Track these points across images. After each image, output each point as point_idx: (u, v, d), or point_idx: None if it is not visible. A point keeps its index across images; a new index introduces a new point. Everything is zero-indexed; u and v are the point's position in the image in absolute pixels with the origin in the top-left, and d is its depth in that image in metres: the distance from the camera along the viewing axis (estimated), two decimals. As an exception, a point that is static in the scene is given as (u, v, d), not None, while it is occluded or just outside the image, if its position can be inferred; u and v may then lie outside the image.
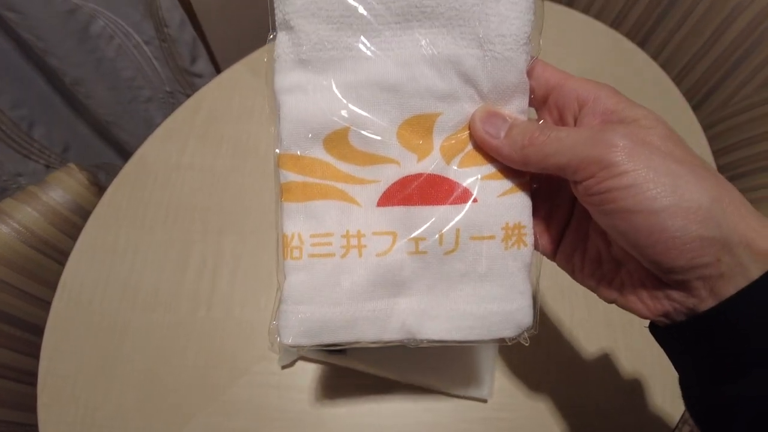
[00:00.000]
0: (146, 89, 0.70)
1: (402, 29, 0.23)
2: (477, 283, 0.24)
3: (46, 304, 0.47)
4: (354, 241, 0.24)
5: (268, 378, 0.42)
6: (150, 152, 0.54)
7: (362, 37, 0.23)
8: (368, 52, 0.23)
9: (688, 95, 0.65)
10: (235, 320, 0.45)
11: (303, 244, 0.24)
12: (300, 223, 0.24)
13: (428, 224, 0.23)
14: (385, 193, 0.24)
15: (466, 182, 0.24)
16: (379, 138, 0.24)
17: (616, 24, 0.71)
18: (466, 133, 0.24)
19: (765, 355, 0.19)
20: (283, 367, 0.42)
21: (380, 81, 0.23)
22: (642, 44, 0.69)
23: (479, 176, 0.24)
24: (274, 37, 0.24)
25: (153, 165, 0.53)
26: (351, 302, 0.24)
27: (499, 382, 0.41)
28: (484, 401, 0.40)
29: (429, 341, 0.25)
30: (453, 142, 0.24)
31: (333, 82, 0.24)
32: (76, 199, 0.52)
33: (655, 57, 0.65)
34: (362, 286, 0.24)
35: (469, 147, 0.24)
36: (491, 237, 0.24)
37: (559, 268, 0.27)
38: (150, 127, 0.75)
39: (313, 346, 0.24)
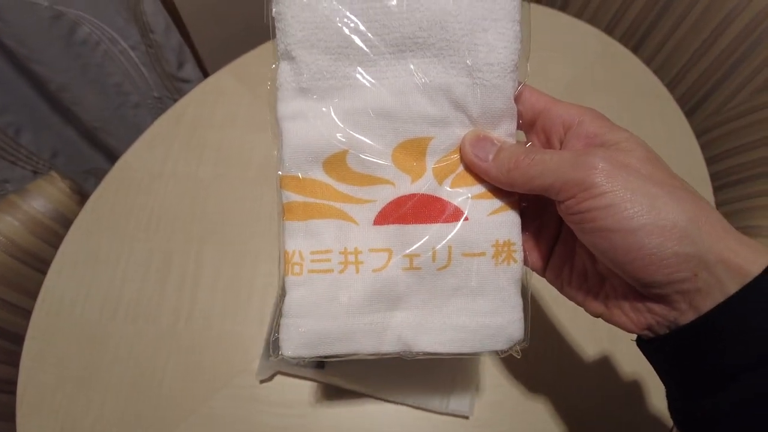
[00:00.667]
0: (134, 95, 0.69)
1: (396, 59, 0.25)
2: (469, 298, 0.26)
3: (26, 313, 0.47)
4: (351, 258, 0.26)
5: (248, 391, 0.42)
6: (134, 159, 0.53)
7: (359, 67, 0.25)
8: (365, 81, 0.25)
9: (682, 101, 0.64)
10: (216, 332, 0.44)
11: (303, 260, 0.26)
12: (300, 240, 0.26)
13: (422, 242, 0.25)
14: (381, 212, 0.26)
15: (457, 201, 0.25)
16: (375, 160, 0.26)
17: (609, 29, 0.70)
18: (457, 155, 0.26)
19: (740, 370, 0.19)
20: (261, 382, 0.42)
21: (376, 108, 0.25)
22: (635, 49, 0.68)
23: (470, 196, 0.25)
24: (277, 66, 0.26)
25: (137, 172, 0.52)
26: (348, 316, 0.25)
27: (480, 398, 0.40)
28: (466, 418, 0.39)
29: (424, 353, 0.26)
30: (445, 164, 0.26)
31: (332, 109, 0.25)
32: (58, 207, 0.52)
33: (648, 62, 0.64)
34: (359, 300, 0.25)
35: (460, 168, 0.26)
36: (482, 254, 0.25)
37: (545, 283, 0.27)
38: (139, 132, 0.74)
39: (312, 357, 0.25)
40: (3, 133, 0.62)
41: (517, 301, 0.26)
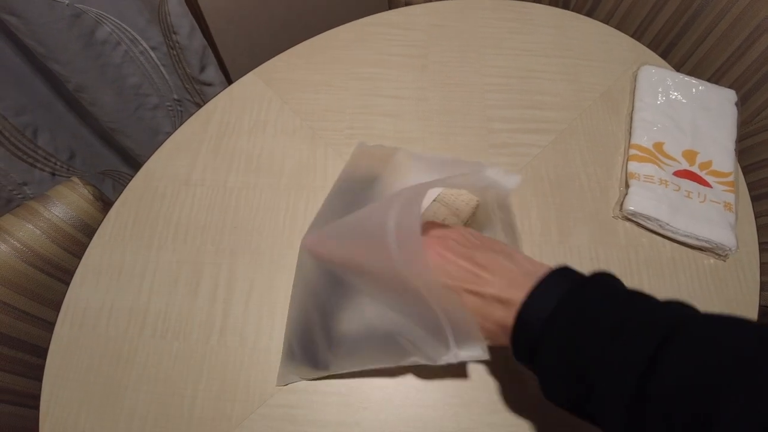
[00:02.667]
0: (153, 96, 0.67)
1: None
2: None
3: (49, 325, 0.45)
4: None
5: (285, 411, 0.40)
6: (157, 167, 0.51)
7: None
8: None
9: (715, 110, 0.63)
10: (250, 348, 0.43)
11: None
12: None
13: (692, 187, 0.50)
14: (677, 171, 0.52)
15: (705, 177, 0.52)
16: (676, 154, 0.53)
17: (638, 34, 0.68)
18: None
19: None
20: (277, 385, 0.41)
21: None
22: (663, 56, 0.66)
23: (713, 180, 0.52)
24: None
25: (161, 180, 0.50)
26: None
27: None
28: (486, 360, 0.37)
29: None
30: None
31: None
32: (80, 215, 0.50)
33: (677, 70, 0.63)
34: None
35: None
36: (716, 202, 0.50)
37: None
38: (157, 135, 0.73)
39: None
40: (21, 134, 0.60)
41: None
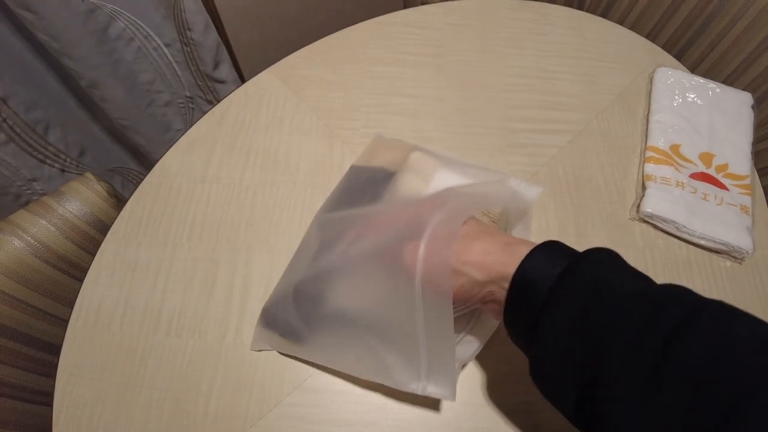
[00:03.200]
0: (165, 93, 0.67)
1: None
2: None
3: (62, 322, 0.45)
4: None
5: (301, 410, 0.40)
6: (172, 163, 0.51)
7: None
8: None
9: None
10: (266, 347, 0.42)
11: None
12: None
13: (707, 188, 0.51)
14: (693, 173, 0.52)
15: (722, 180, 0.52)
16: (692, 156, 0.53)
17: (652, 36, 0.68)
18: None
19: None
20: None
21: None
22: (678, 58, 0.66)
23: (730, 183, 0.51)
24: None
25: (175, 177, 0.50)
26: None
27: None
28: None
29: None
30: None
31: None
32: (94, 211, 0.50)
33: (693, 70, 0.63)
34: None
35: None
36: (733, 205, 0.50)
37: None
38: (168, 131, 0.72)
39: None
40: (32, 130, 0.59)
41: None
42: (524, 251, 0.29)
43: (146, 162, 0.78)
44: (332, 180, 0.49)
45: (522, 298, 0.29)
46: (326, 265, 0.40)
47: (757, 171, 0.53)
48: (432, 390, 0.34)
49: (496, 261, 0.30)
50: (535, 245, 0.30)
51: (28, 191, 0.63)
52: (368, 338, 0.37)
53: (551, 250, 0.29)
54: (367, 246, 0.37)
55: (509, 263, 0.29)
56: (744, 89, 0.55)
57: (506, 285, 0.29)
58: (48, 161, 0.63)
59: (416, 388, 0.34)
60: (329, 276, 0.40)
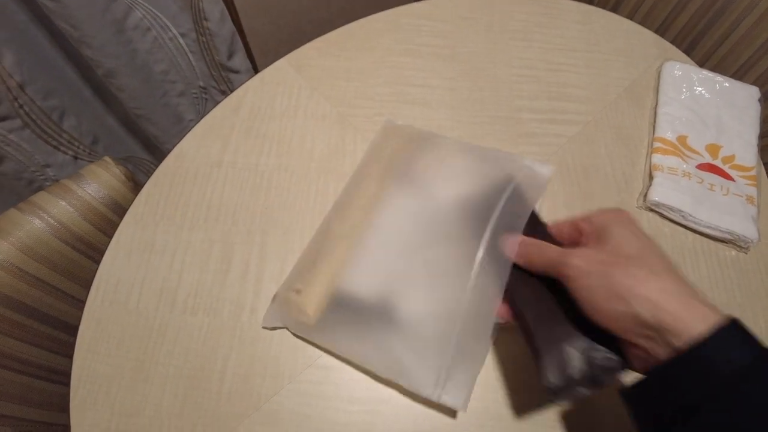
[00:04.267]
0: (179, 83, 0.68)
1: None
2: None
3: (80, 303, 0.46)
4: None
5: (314, 387, 0.41)
6: (189, 149, 0.52)
7: None
8: None
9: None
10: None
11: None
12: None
13: (717, 179, 0.51)
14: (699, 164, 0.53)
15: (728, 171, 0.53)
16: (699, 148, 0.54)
17: (661, 30, 0.69)
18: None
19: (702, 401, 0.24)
20: (265, 328, 0.43)
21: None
22: (687, 52, 0.67)
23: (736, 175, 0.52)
24: None
25: (192, 162, 0.51)
26: None
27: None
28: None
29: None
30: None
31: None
32: (112, 194, 0.51)
33: (700, 65, 0.64)
34: None
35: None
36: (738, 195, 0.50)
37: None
38: (180, 122, 0.74)
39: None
40: (48, 117, 0.60)
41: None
42: (707, 314, 0.25)
43: (158, 152, 0.79)
44: (345, 166, 0.50)
45: (691, 370, 0.25)
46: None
47: (764, 163, 0.54)
48: (446, 399, 0.35)
49: (671, 310, 0.26)
50: (720, 314, 0.26)
51: (42, 177, 0.64)
52: (388, 335, 0.37)
53: (742, 331, 0.25)
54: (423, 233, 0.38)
55: (685, 320, 0.25)
56: (753, 83, 0.56)
57: (671, 340, 0.25)
58: (62, 148, 0.64)
59: (431, 394, 0.35)
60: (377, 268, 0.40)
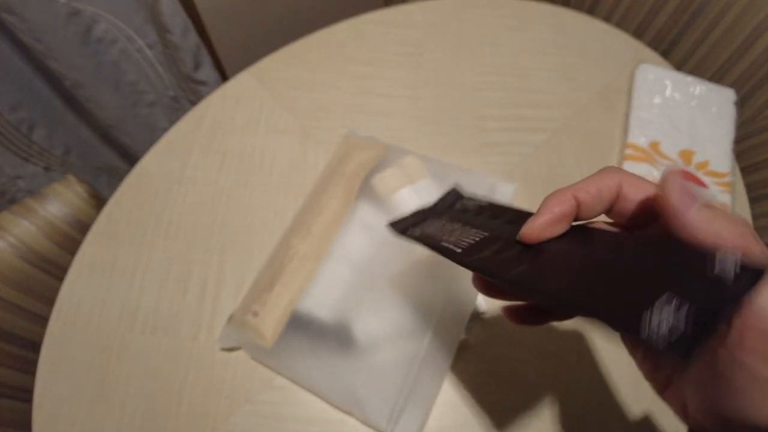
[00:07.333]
0: (150, 93, 0.68)
1: None
2: None
3: (42, 320, 0.46)
4: None
5: (271, 408, 0.41)
6: (152, 164, 0.51)
7: None
8: None
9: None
10: (237, 346, 0.43)
11: None
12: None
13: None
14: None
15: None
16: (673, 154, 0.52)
17: (638, 33, 0.67)
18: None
19: None
20: (222, 349, 0.42)
21: None
22: (665, 54, 0.65)
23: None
24: None
25: (155, 178, 0.51)
26: None
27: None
28: None
29: None
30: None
31: None
32: (75, 213, 0.51)
33: (678, 68, 0.62)
34: None
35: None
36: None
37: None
38: (154, 131, 0.73)
39: None
40: (16, 130, 0.60)
41: None
42: None
43: (132, 160, 0.79)
44: (306, 180, 0.50)
45: None
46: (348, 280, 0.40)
47: (742, 169, 0.52)
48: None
49: None
50: None
51: (13, 188, 0.64)
52: (345, 363, 0.37)
53: None
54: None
55: None
56: (730, 86, 0.55)
57: None
58: (32, 160, 0.64)
59: (384, 428, 0.34)
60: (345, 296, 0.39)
